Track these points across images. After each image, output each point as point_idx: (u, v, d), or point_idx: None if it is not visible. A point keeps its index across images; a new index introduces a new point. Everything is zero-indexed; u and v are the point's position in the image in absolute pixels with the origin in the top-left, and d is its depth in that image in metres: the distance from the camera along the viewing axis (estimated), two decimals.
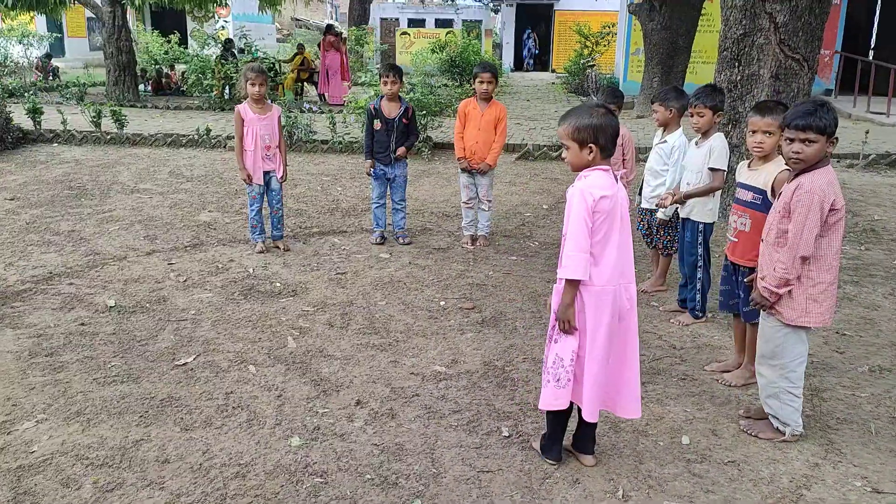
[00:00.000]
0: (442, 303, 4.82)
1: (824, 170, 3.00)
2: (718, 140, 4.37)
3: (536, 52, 30.26)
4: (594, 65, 18.50)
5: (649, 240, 5.07)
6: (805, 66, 6.53)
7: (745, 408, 3.49)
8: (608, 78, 17.81)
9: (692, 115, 4.43)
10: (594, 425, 3.00)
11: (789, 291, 3.07)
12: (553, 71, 27.24)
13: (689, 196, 4.42)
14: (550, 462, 3.00)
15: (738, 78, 6.68)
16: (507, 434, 3.24)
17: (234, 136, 5.62)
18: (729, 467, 3.04)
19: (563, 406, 2.87)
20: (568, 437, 3.08)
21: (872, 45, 18.78)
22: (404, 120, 5.87)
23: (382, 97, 5.90)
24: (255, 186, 5.64)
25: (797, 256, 2.99)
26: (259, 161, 5.60)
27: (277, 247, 5.85)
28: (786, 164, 3.22)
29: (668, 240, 4.92)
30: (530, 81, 23.63)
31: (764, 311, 3.19)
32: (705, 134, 4.43)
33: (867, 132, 10.16)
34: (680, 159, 4.71)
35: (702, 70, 15.72)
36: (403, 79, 6.06)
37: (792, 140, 3.00)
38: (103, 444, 3.12)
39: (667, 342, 4.28)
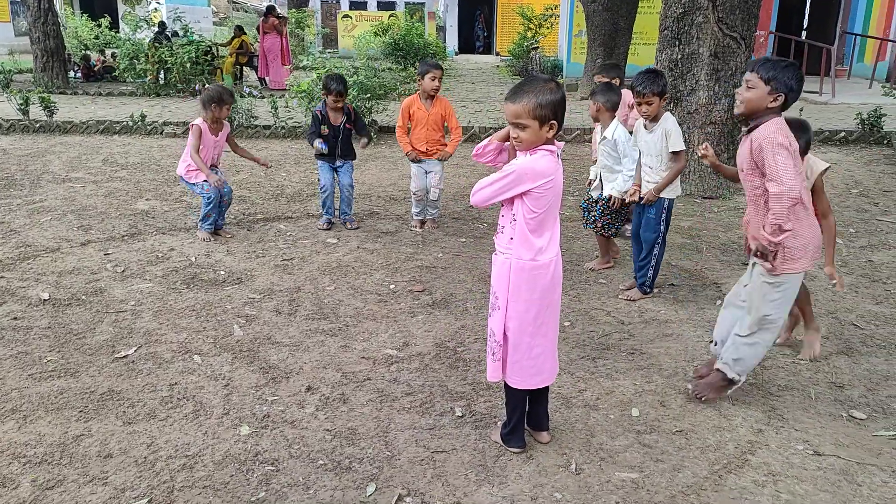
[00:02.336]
0: (392, 286, 4.77)
1: (771, 121, 3.01)
2: (671, 122, 4.29)
3: (484, 33, 30.16)
4: (538, 47, 18.55)
5: (588, 217, 5.05)
6: (742, 44, 6.67)
7: (695, 368, 3.61)
8: (552, 60, 17.88)
9: (640, 105, 4.29)
10: (546, 402, 3.01)
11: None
12: (497, 54, 27.22)
13: (661, 190, 4.35)
14: (516, 450, 2.94)
15: (679, 57, 6.79)
16: (460, 414, 3.23)
17: (191, 145, 5.49)
18: (677, 437, 3.09)
19: (497, 378, 2.86)
20: None
21: (805, 26, 19.35)
22: (348, 125, 5.88)
23: (325, 103, 5.85)
24: (213, 188, 5.55)
25: (786, 198, 2.94)
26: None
27: (220, 234, 5.71)
28: None
29: (608, 221, 4.92)
30: (474, 65, 23.59)
31: (759, 260, 3.18)
32: (654, 118, 4.33)
33: (801, 110, 10.44)
34: (628, 147, 4.65)
35: (643, 51, 15.91)
36: (347, 85, 5.96)
37: None
38: (41, 440, 2.99)
39: (615, 318, 4.33)
